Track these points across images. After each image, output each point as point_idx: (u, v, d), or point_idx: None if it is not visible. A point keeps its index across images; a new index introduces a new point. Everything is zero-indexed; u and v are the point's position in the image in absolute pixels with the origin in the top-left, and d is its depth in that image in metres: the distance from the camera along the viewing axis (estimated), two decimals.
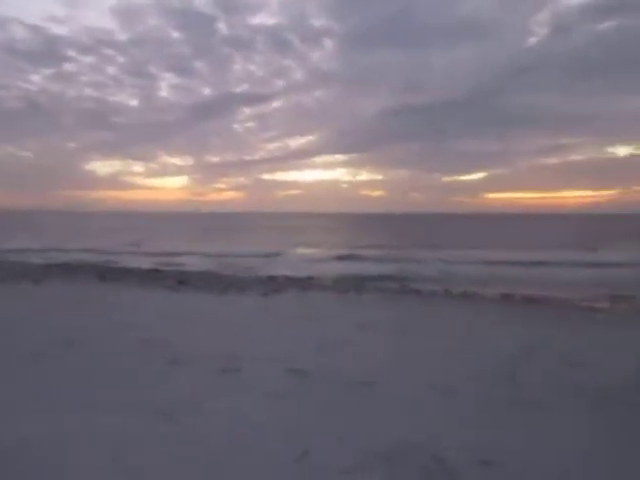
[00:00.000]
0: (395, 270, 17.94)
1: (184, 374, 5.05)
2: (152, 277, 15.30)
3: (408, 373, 5.26)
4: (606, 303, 11.56)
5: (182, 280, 14.50)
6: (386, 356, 6.02)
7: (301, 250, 29.79)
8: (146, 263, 20.08)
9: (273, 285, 13.59)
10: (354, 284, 14.33)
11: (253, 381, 4.89)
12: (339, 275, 17.17)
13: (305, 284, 14.21)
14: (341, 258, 24.06)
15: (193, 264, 20.36)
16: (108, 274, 15.34)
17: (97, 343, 6.23)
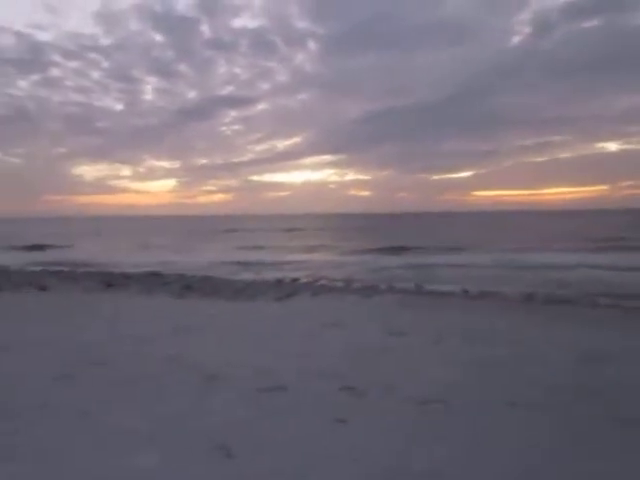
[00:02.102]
0: (412, 272, 17.44)
1: (226, 397, 4.47)
2: (155, 282, 14.67)
3: (473, 388, 4.74)
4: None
5: (188, 285, 13.89)
6: (436, 368, 5.47)
7: (311, 254, 28.66)
8: (145, 268, 19.41)
9: (285, 289, 13.01)
10: (368, 287, 13.81)
11: (306, 403, 4.33)
12: (351, 277, 16.63)
13: (319, 288, 13.66)
14: (350, 262, 23.41)
15: (195, 269, 19.69)
16: (113, 281, 14.70)
17: (119, 362, 5.63)
